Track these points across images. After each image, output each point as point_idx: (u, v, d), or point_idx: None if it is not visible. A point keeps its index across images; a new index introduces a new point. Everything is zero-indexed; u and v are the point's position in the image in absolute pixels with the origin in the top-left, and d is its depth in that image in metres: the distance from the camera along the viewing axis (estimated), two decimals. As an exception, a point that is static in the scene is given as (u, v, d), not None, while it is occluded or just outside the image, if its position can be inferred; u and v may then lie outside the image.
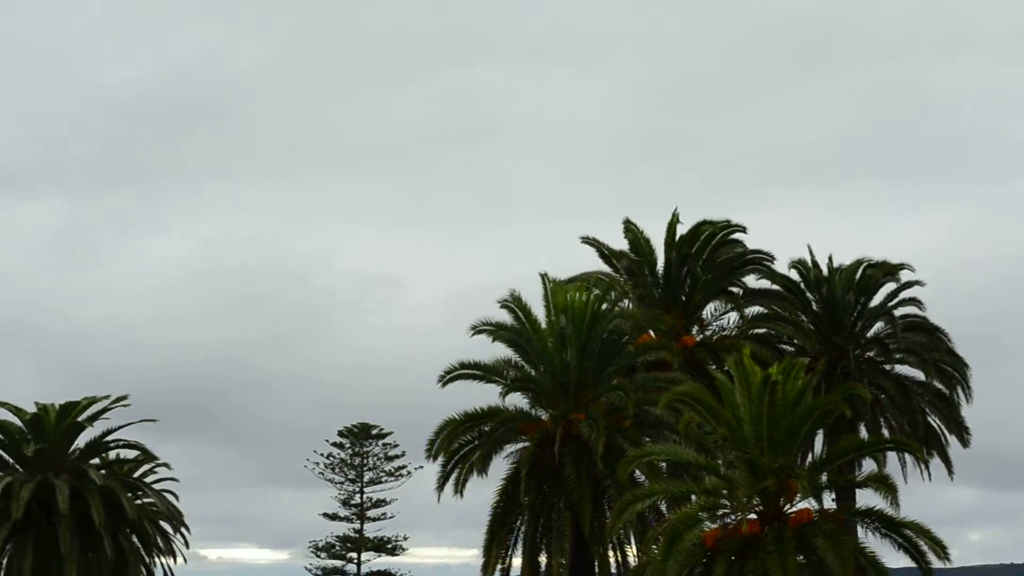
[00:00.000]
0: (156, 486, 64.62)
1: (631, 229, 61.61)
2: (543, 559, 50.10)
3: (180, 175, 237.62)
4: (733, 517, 42.37)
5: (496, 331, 51.63)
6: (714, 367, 54.26)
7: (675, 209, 61.75)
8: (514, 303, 51.67)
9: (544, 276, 51.85)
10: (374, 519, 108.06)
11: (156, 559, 63.87)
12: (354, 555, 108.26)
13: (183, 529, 64.85)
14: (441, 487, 51.01)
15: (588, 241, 61.66)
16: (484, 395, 51.83)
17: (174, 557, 64.85)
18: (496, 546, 50.28)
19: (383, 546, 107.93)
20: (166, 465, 64.42)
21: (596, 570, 50.10)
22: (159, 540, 63.67)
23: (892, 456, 57.98)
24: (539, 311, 51.58)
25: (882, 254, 64.50)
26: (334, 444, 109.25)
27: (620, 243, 62.11)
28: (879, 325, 64.66)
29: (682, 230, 61.60)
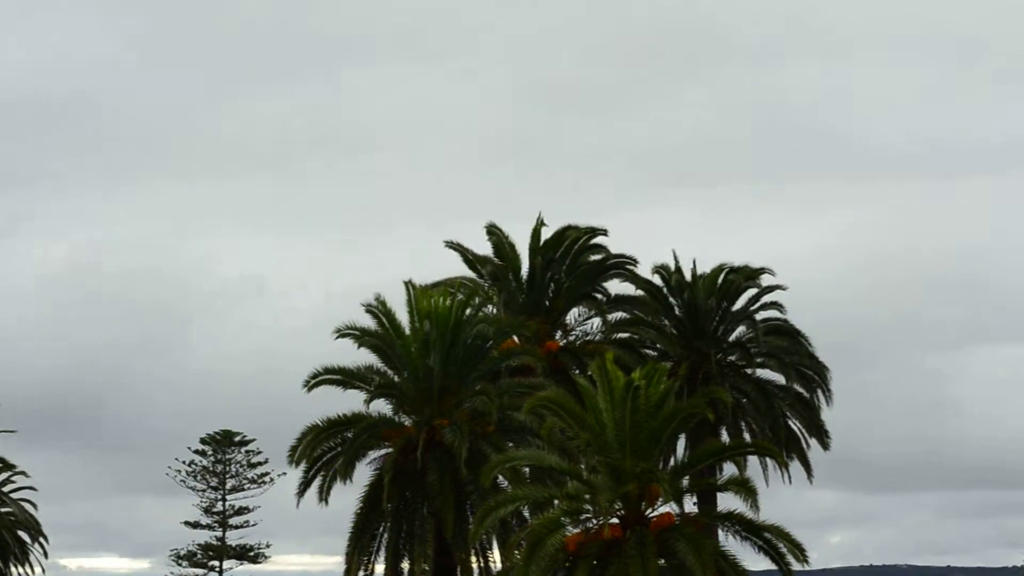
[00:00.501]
0: (14, 495, 63.54)
1: (495, 233, 61.60)
2: (405, 565, 49.85)
3: (46, 177, 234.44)
4: (595, 522, 42.52)
5: (360, 336, 51.31)
6: (577, 372, 54.40)
7: (539, 214, 61.93)
8: (378, 308, 51.40)
9: (408, 283, 51.67)
10: (236, 527, 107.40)
11: (13, 568, 62.77)
12: (216, 563, 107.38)
13: (41, 539, 63.81)
14: (302, 493, 50.61)
15: (452, 246, 61.56)
16: (349, 401, 51.51)
17: (31, 567, 63.77)
18: (358, 553, 49.93)
19: (245, 554, 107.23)
20: (24, 473, 63.36)
21: (459, 576, 49.98)
22: (16, 549, 62.56)
23: (753, 459, 58.28)
24: (404, 317, 51.38)
25: (748, 259, 65.07)
26: (196, 451, 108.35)
27: (485, 248, 62.12)
28: (741, 329, 65.21)
29: (547, 234, 61.72)
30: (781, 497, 65.38)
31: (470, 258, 61.29)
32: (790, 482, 62.62)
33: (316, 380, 50.84)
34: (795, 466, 64.46)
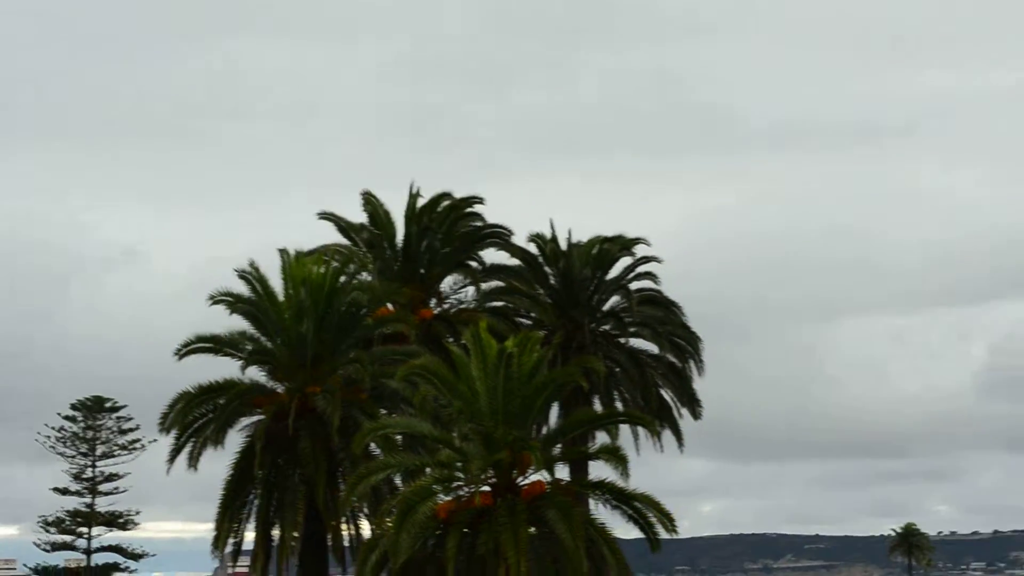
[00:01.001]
0: None
1: (370, 202, 61.32)
2: (276, 532, 49.67)
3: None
4: (467, 490, 42.64)
5: (234, 302, 50.93)
6: (451, 340, 54.34)
7: (412, 182, 61.69)
8: (252, 274, 51.05)
9: (283, 250, 51.36)
10: (106, 493, 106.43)
11: None
12: (85, 529, 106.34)
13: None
14: (173, 460, 50.19)
15: (326, 216, 61.17)
16: (224, 367, 51.21)
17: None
18: (229, 520, 49.65)
19: (114, 520, 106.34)
20: None
21: (329, 543, 49.89)
22: None
23: (625, 428, 58.65)
24: (279, 283, 51.08)
25: (624, 229, 65.39)
26: (66, 417, 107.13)
27: (362, 217, 61.84)
28: (615, 299, 65.57)
29: (423, 203, 61.54)
30: (654, 466, 65.98)
31: (344, 226, 60.93)
32: (662, 451, 63.23)
33: (187, 348, 50.42)
34: (667, 435, 65.02)
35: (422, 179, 62.62)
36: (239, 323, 51.40)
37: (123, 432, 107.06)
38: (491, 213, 62.24)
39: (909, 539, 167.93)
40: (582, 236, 65.79)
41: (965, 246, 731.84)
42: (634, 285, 64.91)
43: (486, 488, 42.46)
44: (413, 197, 61.22)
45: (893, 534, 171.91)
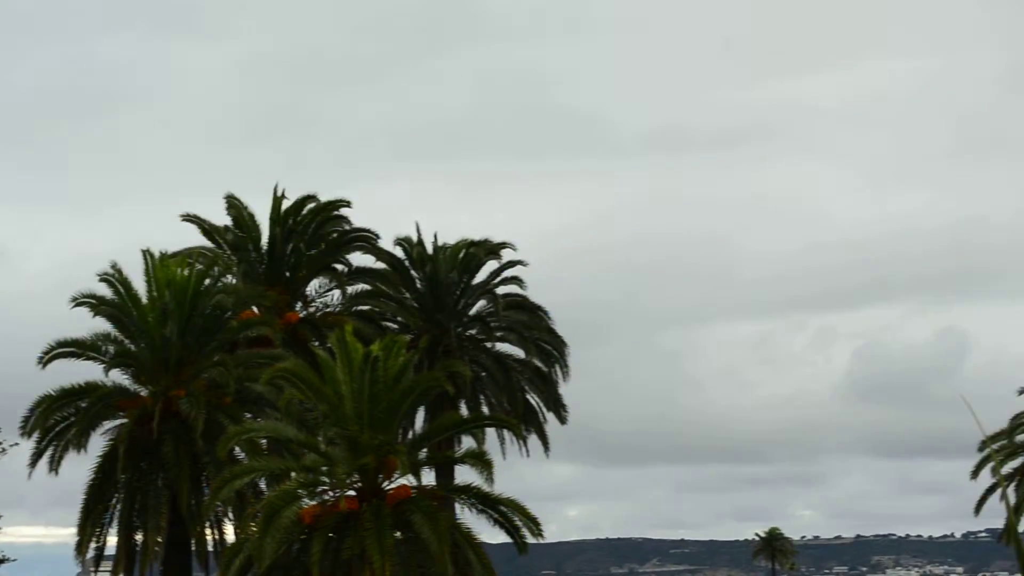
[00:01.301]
0: None
1: (234, 205, 60.73)
2: (139, 537, 49.19)
3: None
4: (332, 494, 42.57)
5: (96, 305, 50.40)
6: (317, 344, 54.16)
7: (276, 184, 61.18)
8: (114, 276, 50.54)
9: (147, 252, 50.90)
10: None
11: None
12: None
13: None
14: (34, 464, 49.56)
15: (190, 218, 60.51)
16: (87, 370, 50.67)
17: None
18: (91, 524, 49.10)
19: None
20: None
21: (193, 548, 49.51)
22: None
23: (492, 433, 58.87)
24: (142, 286, 50.63)
25: (492, 234, 65.56)
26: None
27: (227, 220, 61.28)
28: (481, 303, 65.69)
29: (288, 206, 61.10)
30: (520, 470, 66.22)
31: (208, 228, 60.33)
32: (528, 455, 63.41)
33: (50, 355, 49.85)
34: (533, 439, 65.22)
35: (287, 181, 62.38)
36: (103, 325, 50.89)
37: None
38: (358, 216, 62.02)
39: (773, 543, 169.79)
40: (449, 240, 65.90)
41: (828, 252, 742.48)
42: (500, 289, 65.09)
43: (351, 493, 42.44)
44: (278, 200, 60.72)
45: (757, 538, 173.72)
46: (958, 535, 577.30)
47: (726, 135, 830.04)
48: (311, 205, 60.57)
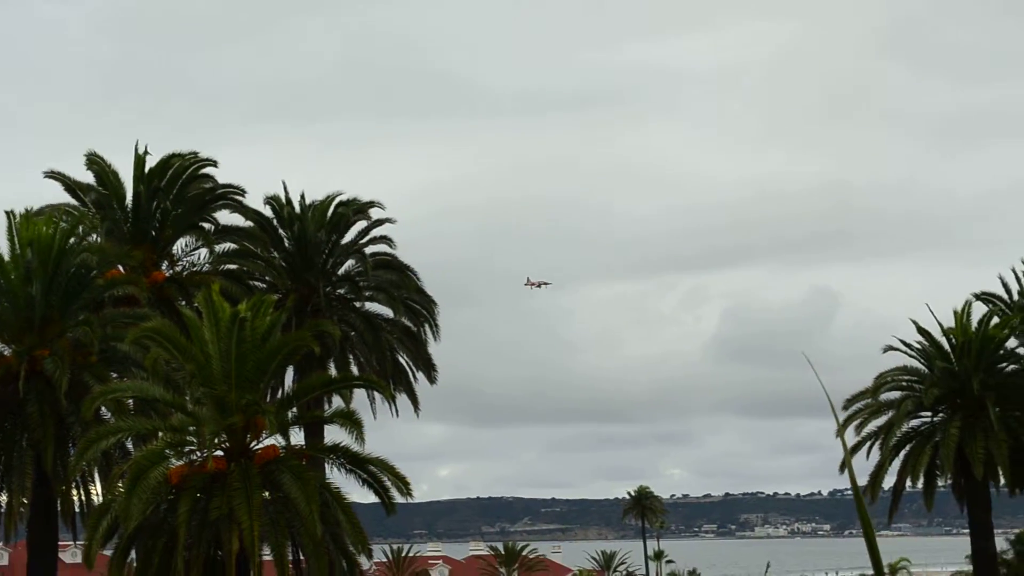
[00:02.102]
0: None
1: (96, 162, 59.65)
2: (4, 498, 48.63)
3: None
4: (200, 454, 42.32)
5: (-42, 264, 49.58)
6: (184, 303, 53.66)
7: (136, 142, 60.22)
8: (-25, 235, 49.75)
9: (10, 212, 50.19)
10: None
11: None
12: None
13: None
14: None
15: (53, 175, 59.44)
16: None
17: None
18: (-46, 487, 48.47)
19: None
20: None
21: (59, 509, 49.01)
22: None
23: (362, 392, 58.80)
24: (4, 244, 49.91)
25: (362, 193, 65.32)
26: None
27: (90, 178, 60.33)
28: (350, 263, 65.42)
29: (154, 164, 60.25)
30: (391, 431, 66.40)
31: (71, 186, 59.36)
32: (398, 415, 63.43)
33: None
34: (404, 400, 65.19)
35: (152, 140, 61.59)
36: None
37: None
38: (225, 175, 61.35)
39: (642, 502, 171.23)
40: (318, 199, 65.48)
41: (696, 214, 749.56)
42: (369, 249, 64.87)
43: (219, 453, 42.25)
44: (140, 157, 59.69)
45: (627, 497, 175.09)
46: (825, 493, 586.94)
47: (592, 97, 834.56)
48: (176, 163, 59.76)
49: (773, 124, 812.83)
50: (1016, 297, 70.52)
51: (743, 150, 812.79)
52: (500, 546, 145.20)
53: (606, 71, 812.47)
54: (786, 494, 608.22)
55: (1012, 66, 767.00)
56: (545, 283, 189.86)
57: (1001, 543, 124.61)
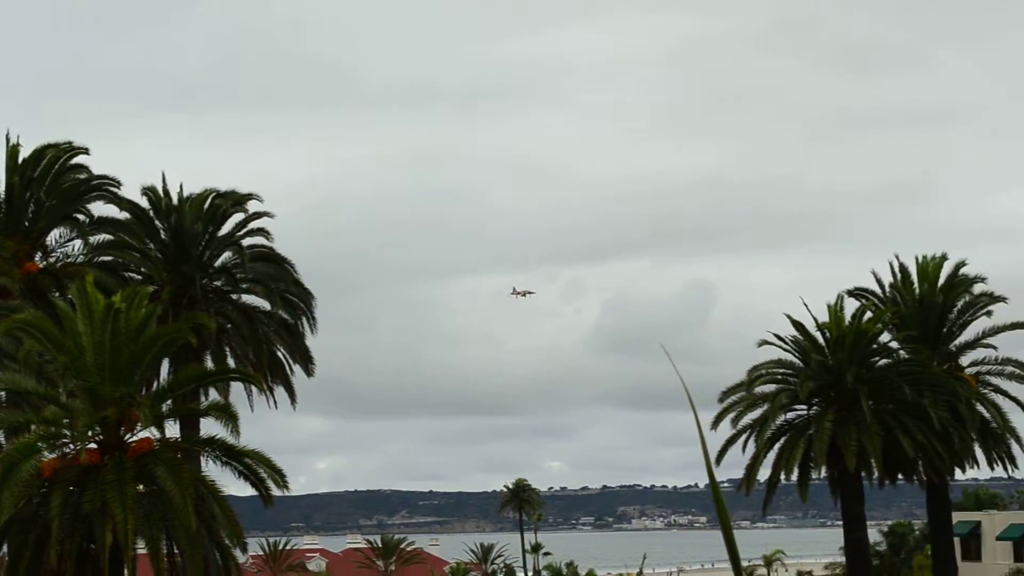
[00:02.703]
0: None
1: (-35, 152, 58.79)
2: None
3: None
4: (73, 447, 41.87)
5: None
6: (57, 295, 53.01)
7: (7, 131, 59.41)
8: None
9: None
10: None
11: None
12: None
13: None
14: None
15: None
16: None
17: None
18: None
19: None
20: None
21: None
22: None
23: (239, 386, 58.46)
24: None
25: (248, 185, 65.01)
26: None
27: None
28: (227, 255, 64.92)
29: (28, 155, 59.48)
30: (271, 424, 66.08)
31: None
32: (276, 408, 63.15)
33: None
34: (282, 393, 64.88)
35: (26, 131, 60.63)
36: None
37: None
38: (101, 167, 60.71)
39: (520, 495, 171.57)
40: (196, 190, 64.99)
41: (577, 207, 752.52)
42: (247, 241, 64.44)
43: (93, 445, 41.79)
44: (13, 148, 59.00)
45: (505, 490, 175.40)
46: (701, 486, 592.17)
47: (477, 89, 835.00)
48: (50, 153, 59.02)
49: (660, 118, 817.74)
50: (888, 291, 71.65)
51: (628, 144, 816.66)
52: (378, 539, 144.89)
53: (495, 63, 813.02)
54: (663, 487, 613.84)
55: (894, 63, 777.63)
56: (530, 292, 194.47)
57: (874, 535, 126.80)
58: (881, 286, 71.85)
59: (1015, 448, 69.62)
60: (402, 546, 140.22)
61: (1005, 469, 71.03)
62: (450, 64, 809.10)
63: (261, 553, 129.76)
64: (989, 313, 71.25)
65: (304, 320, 65.29)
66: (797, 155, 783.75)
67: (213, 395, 51.58)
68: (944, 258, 71.56)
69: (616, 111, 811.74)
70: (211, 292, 64.24)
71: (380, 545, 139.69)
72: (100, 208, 60.97)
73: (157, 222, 63.93)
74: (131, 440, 42.46)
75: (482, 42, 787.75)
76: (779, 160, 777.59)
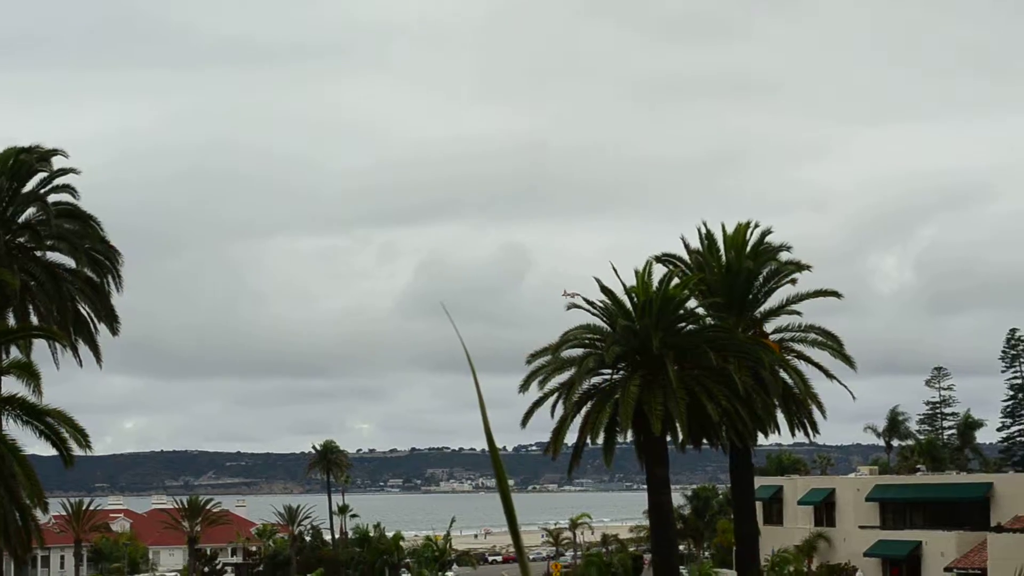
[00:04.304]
0: None
1: None
2: None
3: None
4: None
5: None
6: None
7: None
8: None
9: None
10: None
11: None
12: None
13: None
14: None
15: None
16: None
17: None
18: None
19: None
20: None
21: None
22: None
23: (43, 344, 57.39)
24: None
25: (61, 141, 63.69)
26: None
27: None
28: (31, 211, 63.60)
29: None
30: (78, 383, 64.99)
31: None
32: (82, 367, 62.12)
33: None
34: (87, 352, 63.78)
35: None
36: None
37: None
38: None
39: (328, 456, 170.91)
40: (1, 146, 63.57)
41: (397, 169, 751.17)
42: (52, 198, 63.18)
43: None
44: None
45: (313, 452, 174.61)
46: (510, 449, 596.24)
47: (304, 49, 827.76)
48: None
49: (484, 82, 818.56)
50: (696, 258, 72.48)
51: (450, 107, 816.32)
52: (184, 500, 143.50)
53: (322, 23, 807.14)
54: (471, 449, 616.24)
55: (715, 34, 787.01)
56: (576, 294, 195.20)
57: (679, 498, 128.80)
58: (690, 253, 72.70)
59: (817, 414, 71.09)
60: (208, 507, 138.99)
61: (807, 435, 72.52)
62: (277, 23, 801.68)
63: (64, 513, 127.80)
64: (794, 281, 72.55)
65: (110, 278, 64.23)
66: (617, 122, 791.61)
67: (16, 353, 50.56)
68: (749, 226, 72.61)
69: (441, 74, 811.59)
70: (15, 249, 62.85)
71: (186, 506, 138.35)
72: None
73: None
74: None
75: (310, 2, 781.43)
76: (599, 127, 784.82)
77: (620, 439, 66.28)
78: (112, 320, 64.44)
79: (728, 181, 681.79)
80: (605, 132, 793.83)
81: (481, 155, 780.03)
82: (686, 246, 72.70)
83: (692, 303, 69.09)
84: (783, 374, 69.31)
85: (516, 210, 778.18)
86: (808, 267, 73.22)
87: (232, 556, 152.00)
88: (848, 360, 71.58)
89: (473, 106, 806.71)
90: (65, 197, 63.54)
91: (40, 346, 56.94)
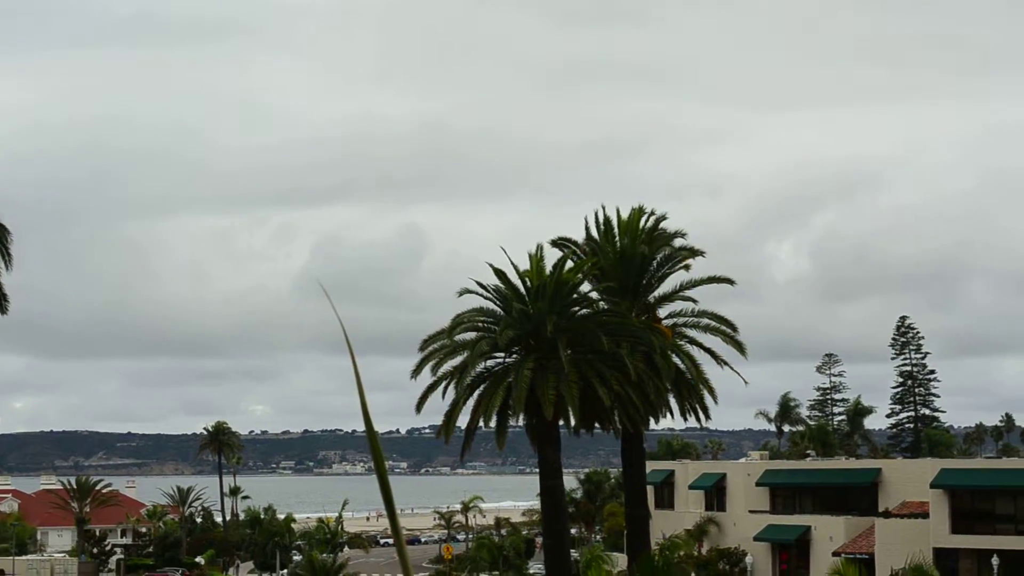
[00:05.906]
0: None
1: None
2: None
3: None
4: None
5: None
6: None
7: None
8: None
9: None
10: None
11: None
12: None
13: None
14: None
15: None
16: None
17: None
18: None
19: None
20: None
21: None
22: None
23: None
24: None
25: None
26: None
27: None
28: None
29: None
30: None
31: None
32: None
33: None
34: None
35: None
36: None
37: None
38: None
39: (219, 437, 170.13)
40: None
41: (296, 150, 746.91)
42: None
43: None
44: None
45: (204, 433, 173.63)
46: (403, 431, 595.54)
47: (206, 27, 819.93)
48: None
49: (385, 65, 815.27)
50: (591, 243, 72.61)
51: (350, 88, 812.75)
52: (72, 480, 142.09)
53: (220, 1, 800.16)
54: (364, 432, 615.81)
55: (616, 18, 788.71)
56: None
57: (571, 482, 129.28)
58: (588, 238, 72.84)
59: (708, 399, 71.56)
60: (98, 488, 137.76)
61: (698, 420, 72.91)
62: (180, 1, 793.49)
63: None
64: (688, 267, 72.93)
65: (-1, 256, 63.40)
66: (519, 107, 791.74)
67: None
68: (643, 211, 72.84)
69: (341, 55, 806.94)
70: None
71: (75, 487, 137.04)
72: None
73: None
74: None
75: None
76: (499, 110, 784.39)
77: (513, 423, 66.40)
78: (1, 299, 63.62)
79: (627, 166, 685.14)
80: (505, 116, 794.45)
81: (381, 137, 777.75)
82: (587, 232, 72.81)
83: (586, 287, 69.27)
84: (675, 359, 69.65)
85: (415, 192, 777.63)
86: (702, 253, 73.66)
87: (122, 537, 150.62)
88: (740, 346, 72.08)
89: (374, 87, 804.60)
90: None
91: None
